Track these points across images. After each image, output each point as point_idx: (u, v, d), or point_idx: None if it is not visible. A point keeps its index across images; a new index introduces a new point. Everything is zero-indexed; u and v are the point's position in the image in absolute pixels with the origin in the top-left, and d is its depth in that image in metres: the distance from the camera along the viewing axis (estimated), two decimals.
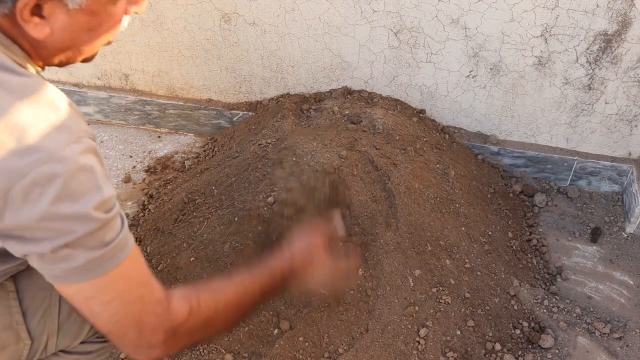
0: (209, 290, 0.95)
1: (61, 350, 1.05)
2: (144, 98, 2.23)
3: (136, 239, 1.76)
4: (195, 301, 0.91)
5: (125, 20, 0.89)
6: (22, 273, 0.94)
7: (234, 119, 2.18)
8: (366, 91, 2.02)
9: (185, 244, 1.61)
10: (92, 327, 1.03)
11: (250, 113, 2.14)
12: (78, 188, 0.75)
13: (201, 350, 1.45)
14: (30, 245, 0.76)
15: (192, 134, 2.27)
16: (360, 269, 1.50)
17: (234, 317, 0.99)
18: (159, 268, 1.59)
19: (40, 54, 0.85)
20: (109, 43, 0.92)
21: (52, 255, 0.77)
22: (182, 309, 0.89)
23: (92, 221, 0.77)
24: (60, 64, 0.90)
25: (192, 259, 1.56)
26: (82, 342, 1.06)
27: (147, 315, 0.86)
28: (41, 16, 0.78)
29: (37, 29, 0.79)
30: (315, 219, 1.20)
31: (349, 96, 2.00)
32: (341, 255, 1.14)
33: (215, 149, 2.08)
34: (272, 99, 2.13)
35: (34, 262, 0.79)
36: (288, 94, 2.11)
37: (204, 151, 2.12)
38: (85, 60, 0.92)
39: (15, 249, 0.78)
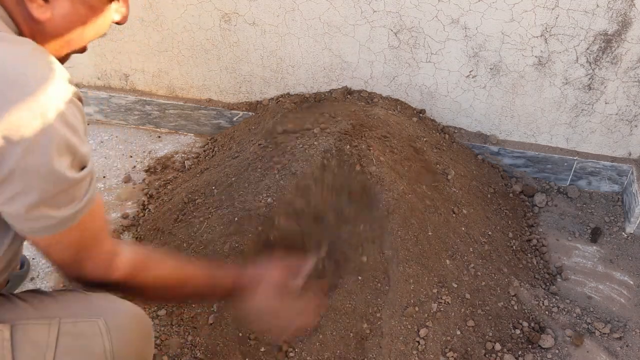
0: (158, 265, 1.03)
1: None
2: (144, 98, 2.23)
3: (136, 239, 1.77)
4: (136, 270, 0.99)
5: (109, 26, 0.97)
6: (19, 326, 0.94)
7: (234, 119, 2.18)
8: (366, 91, 2.02)
9: (185, 244, 1.61)
10: None
11: (250, 113, 2.14)
12: (58, 145, 0.81)
13: None
14: (11, 202, 0.82)
15: (192, 134, 2.27)
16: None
17: (169, 299, 1.09)
18: None
19: (35, 38, 0.89)
20: (83, 50, 0.98)
21: (27, 214, 0.83)
22: (122, 271, 0.97)
23: (64, 180, 0.83)
24: None
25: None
26: None
27: (90, 262, 0.94)
28: (46, 1, 0.86)
29: (39, 10, 0.86)
30: (289, 256, 1.19)
31: (349, 96, 2.00)
32: (292, 301, 1.13)
33: (215, 149, 2.08)
34: (272, 99, 2.13)
35: (7, 215, 0.85)
36: (288, 94, 2.12)
37: (204, 151, 2.12)
38: (63, 59, 0.96)
39: None
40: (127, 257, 0.98)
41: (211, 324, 1.48)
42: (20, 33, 0.89)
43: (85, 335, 0.94)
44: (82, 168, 0.86)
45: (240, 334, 1.46)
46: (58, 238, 0.89)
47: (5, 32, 0.84)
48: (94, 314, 0.96)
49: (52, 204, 0.84)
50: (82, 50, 0.98)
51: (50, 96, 0.81)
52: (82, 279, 0.96)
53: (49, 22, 0.88)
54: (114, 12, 0.95)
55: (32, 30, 0.89)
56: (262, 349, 1.44)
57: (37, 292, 1.02)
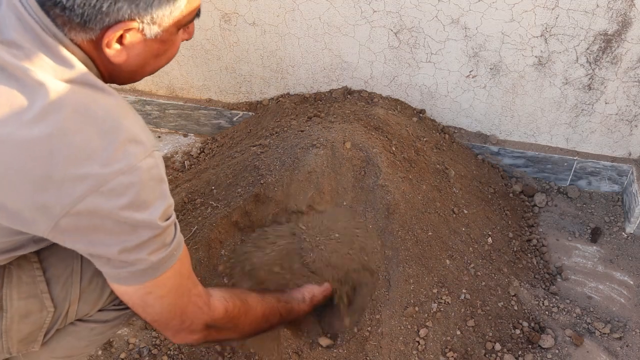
0: (244, 300, 1.13)
1: (78, 320, 1.09)
2: (144, 98, 2.23)
3: None
4: (231, 305, 1.08)
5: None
6: (46, 251, 1.00)
7: (234, 119, 2.18)
8: (366, 91, 2.02)
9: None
10: (110, 294, 1.08)
11: (250, 113, 2.14)
12: (148, 197, 0.86)
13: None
14: (99, 247, 0.86)
15: (192, 134, 2.27)
16: None
17: (259, 328, 1.19)
18: None
19: (111, 74, 0.96)
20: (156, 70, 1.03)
21: (119, 259, 0.87)
22: (220, 307, 1.06)
23: (156, 228, 0.88)
24: (123, 83, 1.01)
25: None
26: (99, 310, 1.10)
27: (191, 306, 1.00)
28: (122, 44, 0.89)
29: (117, 55, 0.90)
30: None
31: (349, 96, 2.00)
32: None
33: (215, 149, 2.08)
34: (272, 99, 2.13)
35: (100, 265, 0.90)
36: (288, 94, 2.12)
37: (204, 151, 2.12)
38: (138, 79, 1.03)
39: (82, 249, 0.88)
40: (217, 295, 1.08)
41: None
42: (100, 73, 0.94)
43: None
44: (169, 217, 0.92)
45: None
46: (157, 284, 0.93)
47: (93, 77, 0.88)
48: None
49: (143, 250, 0.88)
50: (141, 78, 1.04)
51: (143, 149, 0.86)
52: (186, 328, 1.02)
53: (125, 62, 0.92)
54: (182, 34, 0.99)
55: (110, 70, 0.94)
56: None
57: None
